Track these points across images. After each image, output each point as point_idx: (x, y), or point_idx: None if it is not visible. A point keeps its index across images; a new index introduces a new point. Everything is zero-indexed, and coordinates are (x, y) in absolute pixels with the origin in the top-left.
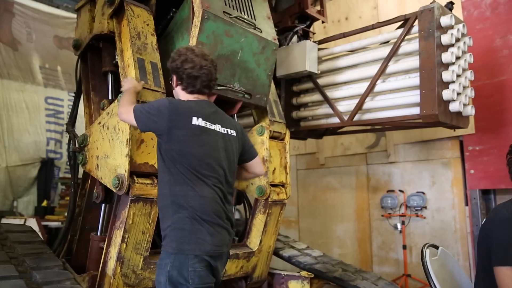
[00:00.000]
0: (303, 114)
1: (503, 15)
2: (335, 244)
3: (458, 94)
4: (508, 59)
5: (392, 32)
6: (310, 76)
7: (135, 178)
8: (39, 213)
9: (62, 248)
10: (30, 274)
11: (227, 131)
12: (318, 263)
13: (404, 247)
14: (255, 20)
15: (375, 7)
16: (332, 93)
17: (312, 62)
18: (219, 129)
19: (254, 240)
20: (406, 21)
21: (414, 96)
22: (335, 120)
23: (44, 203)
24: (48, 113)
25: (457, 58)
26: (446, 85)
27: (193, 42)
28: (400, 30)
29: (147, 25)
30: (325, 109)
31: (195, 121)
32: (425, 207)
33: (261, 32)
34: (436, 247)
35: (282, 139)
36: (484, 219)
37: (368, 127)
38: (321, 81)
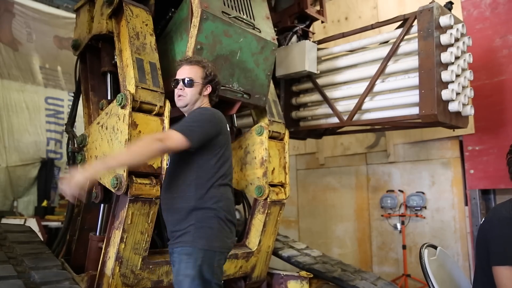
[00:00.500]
0: (302, 114)
1: (502, 15)
2: (335, 244)
3: (457, 94)
4: (508, 59)
5: (392, 32)
6: (309, 76)
7: (134, 178)
8: (39, 213)
9: (61, 248)
10: (29, 274)
11: None
12: (317, 263)
13: (404, 247)
14: (254, 20)
15: (375, 7)
16: (331, 93)
17: (311, 62)
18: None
19: (253, 240)
20: (405, 21)
21: (413, 96)
22: (335, 120)
23: (44, 203)
24: (48, 113)
25: (456, 58)
26: (445, 85)
27: (192, 42)
28: (399, 30)
29: (146, 25)
30: (324, 109)
31: (228, 127)
32: (425, 207)
33: (260, 32)
34: (435, 247)
35: (281, 139)
36: (483, 219)
37: (368, 127)
38: (320, 81)
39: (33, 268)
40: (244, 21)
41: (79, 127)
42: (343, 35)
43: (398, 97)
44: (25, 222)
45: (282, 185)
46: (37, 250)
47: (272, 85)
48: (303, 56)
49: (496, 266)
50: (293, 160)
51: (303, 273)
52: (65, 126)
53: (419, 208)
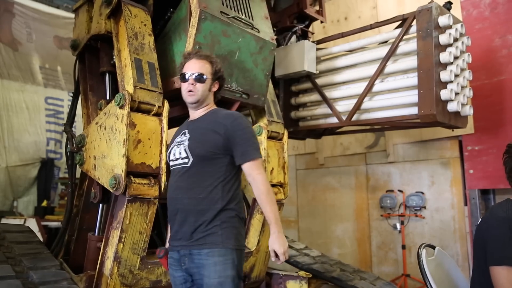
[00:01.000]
0: (301, 114)
1: (502, 15)
2: (335, 244)
3: (456, 94)
4: (507, 59)
5: (391, 32)
6: (308, 76)
7: (132, 178)
8: (39, 213)
9: (60, 248)
10: (27, 274)
11: None
12: (316, 263)
13: (403, 247)
14: (252, 20)
15: (374, 7)
16: (330, 93)
17: (310, 62)
18: None
19: (252, 240)
20: (404, 21)
21: (412, 96)
22: (334, 120)
23: (44, 203)
24: (48, 113)
25: (455, 58)
26: (444, 85)
27: (190, 42)
28: (398, 30)
29: (145, 25)
30: (323, 109)
31: None
32: (424, 207)
33: (258, 32)
34: (433, 247)
35: (280, 139)
36: (480, 219)
37: (367, 127)
38: (319, 81)
39: (31, 268)
40: (242, 21)
41: (79, 127)
42: (342, 35)
43: (397, 97)
44: (25, 222)
45: (281, 185)
46: (35, 250)
47: (271, 85)
48: (302, 56)
49: (493, 266)
50: (293, 160)
51: (302, 273)
52: (64, 126)
53: (418, 208)
